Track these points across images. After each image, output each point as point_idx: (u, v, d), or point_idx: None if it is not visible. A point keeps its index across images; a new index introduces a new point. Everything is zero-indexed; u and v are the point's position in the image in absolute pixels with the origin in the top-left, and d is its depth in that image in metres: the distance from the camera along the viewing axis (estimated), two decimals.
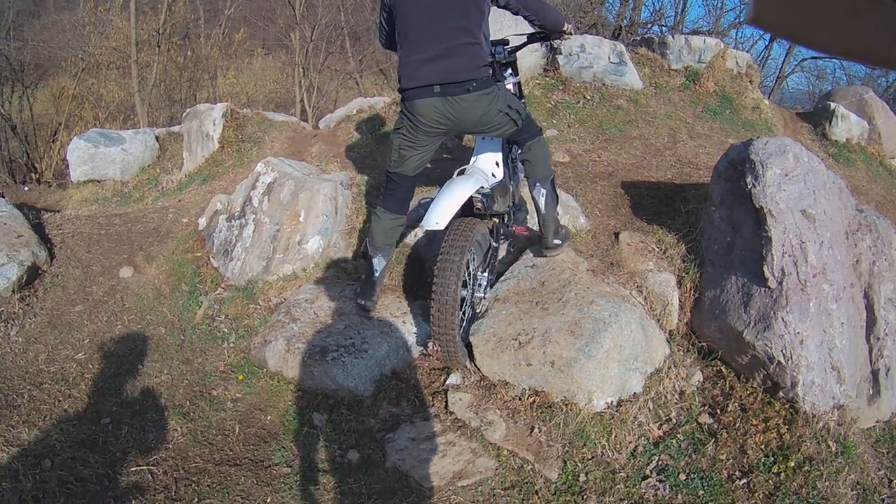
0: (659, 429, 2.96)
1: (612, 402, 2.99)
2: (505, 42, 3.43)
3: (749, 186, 3.16)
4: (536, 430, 2.87)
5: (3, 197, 4.89)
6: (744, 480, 2.69)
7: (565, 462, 2.77)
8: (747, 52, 7.95)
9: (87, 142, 5.83)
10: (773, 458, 2.74)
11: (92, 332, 3.79)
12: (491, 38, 3.08)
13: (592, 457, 2.80)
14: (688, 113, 5.81)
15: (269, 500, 2.66)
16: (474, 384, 3.11)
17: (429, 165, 3.38)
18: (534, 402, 2.97)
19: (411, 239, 3.98)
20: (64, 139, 11.64)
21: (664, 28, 13.42)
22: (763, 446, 2.79)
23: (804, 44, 0.58)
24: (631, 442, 2.87)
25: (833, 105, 6.16)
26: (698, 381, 3.19)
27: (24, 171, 12.08)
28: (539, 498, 2.65)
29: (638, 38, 8.36)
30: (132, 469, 2.80)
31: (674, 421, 2.99)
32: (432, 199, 3.03)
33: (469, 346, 3.15)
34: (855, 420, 2.91)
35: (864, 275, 3.24)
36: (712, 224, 3.49)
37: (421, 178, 3.28)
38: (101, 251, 4.53)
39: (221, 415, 3.16)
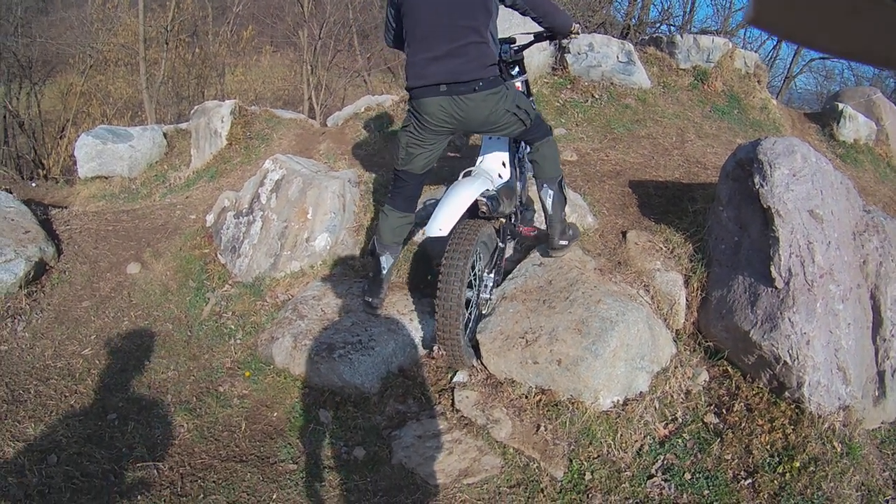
0: (665, 428, 2.96)
1: (618, 400, 2.99)
2: (511, 40, 3.43)
3: (757, 186, 3.15)
4: (542, 428, 2.87)
5: (11, 193, 4.91)
6: (749, 480, 2.68)
7: (571, 460, 2.78)
8: (756, 52, 7.91)
9: (95, 138, 5.86)
10: (778, 459, 2.73)
11: (99, 328, 3.81)
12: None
13: (598, 455, 2.80)
14: (696, 112, 5.79)
15: (274, 497, 2.67)
16: (481, 382, 3.12)
17: (436, 164, 3.38)
18: (540, 400, 2.97)
19: (419, 237, 3.98)
20: (71, 136, 11.71)
21: (672, 27, 13.40)
22: (768, 446, 2.79)
23: (804, 44, 0.58)
24: (637, 441, 2.88)
25: (841, 106, 6.14)
26: (704, 381, 3.18)
27: (32, 168, 12.16)
28: (544, 496, 2.65)
29: (646, 37, 8.36)
30: (138, 465, 2.81)
31: (679, 420, 2.99)
32: (437, 202, 3.02)
33: (476, 345, 3.16)
34: (860, 421, 2.90)
35: (870, 276, 3.23)
36: (720, 224, 3.48)
37: (429, 176, 3.29)
38: (108, 247, 4.56)
39: (228, 411, 3.17)
